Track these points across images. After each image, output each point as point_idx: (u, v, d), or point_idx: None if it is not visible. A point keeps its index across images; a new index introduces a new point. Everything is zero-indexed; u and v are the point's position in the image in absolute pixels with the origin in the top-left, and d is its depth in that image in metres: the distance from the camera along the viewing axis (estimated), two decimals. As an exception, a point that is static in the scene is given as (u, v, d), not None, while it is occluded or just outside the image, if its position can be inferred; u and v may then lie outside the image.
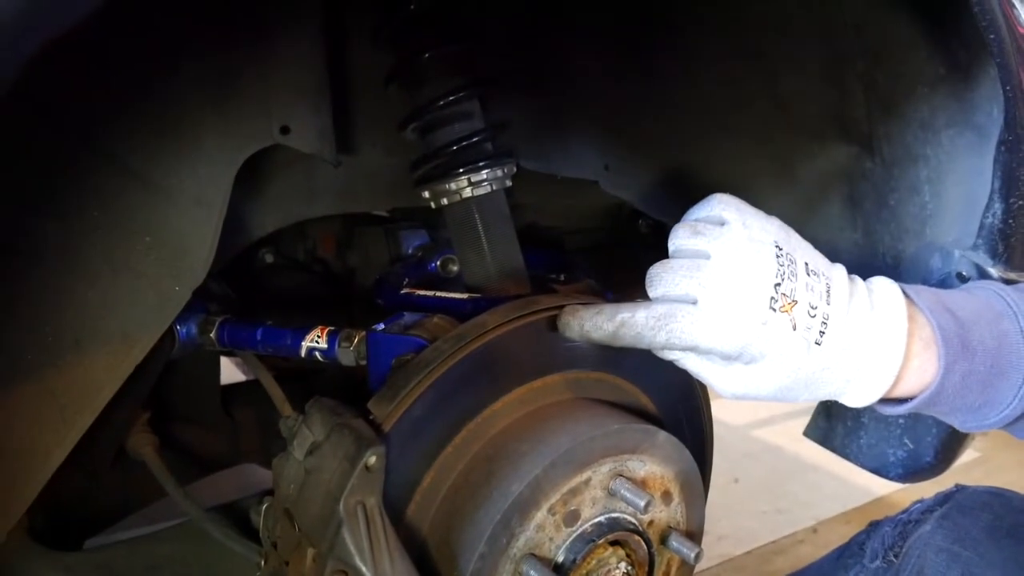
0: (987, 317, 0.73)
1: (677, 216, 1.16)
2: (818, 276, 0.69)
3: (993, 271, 0.88)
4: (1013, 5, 0.76)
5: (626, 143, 1.14)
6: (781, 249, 0.69)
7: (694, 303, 0.67)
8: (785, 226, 0.73)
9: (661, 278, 0.69)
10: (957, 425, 0.77)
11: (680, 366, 0.73)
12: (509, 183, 0.98)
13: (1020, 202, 0.84)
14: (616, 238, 1.53)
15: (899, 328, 0.69)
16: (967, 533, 0.82)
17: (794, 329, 0.67)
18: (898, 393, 0.72)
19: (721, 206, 0.71)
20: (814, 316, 0.67)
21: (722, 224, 0.69)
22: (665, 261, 0.71)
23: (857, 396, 0.71)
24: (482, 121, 0.96)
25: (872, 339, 0.69)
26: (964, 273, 0.91)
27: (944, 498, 0.90)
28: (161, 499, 1.15)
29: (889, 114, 0.95)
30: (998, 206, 0.85)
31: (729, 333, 0.67)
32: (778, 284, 0.67)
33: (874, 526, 0.99)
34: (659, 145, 1.13)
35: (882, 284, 0.73)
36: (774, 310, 0.66)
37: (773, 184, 1.11)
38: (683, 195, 1.18)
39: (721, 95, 1.06)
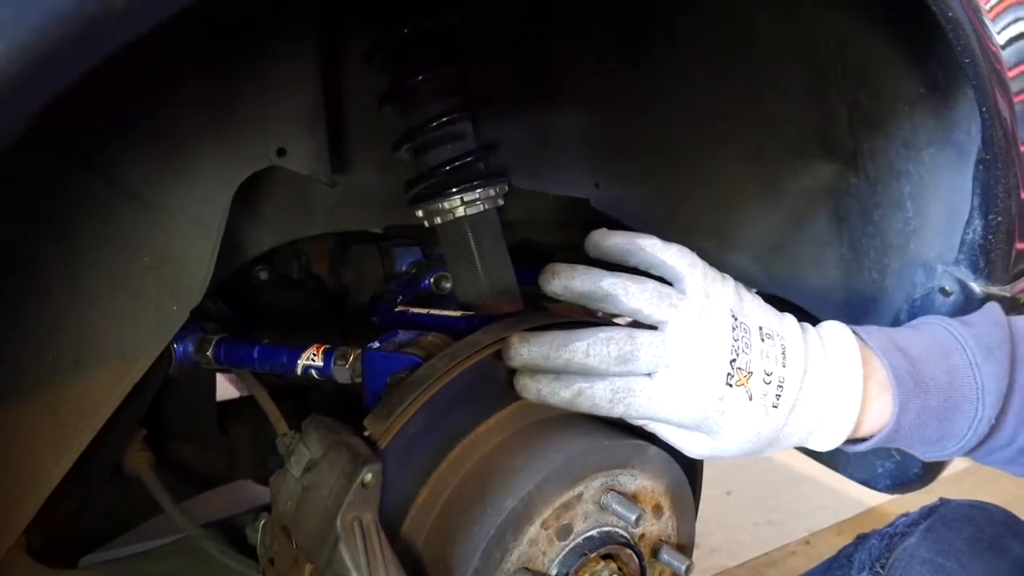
0: (937, 352, 0.76)
1: (666, 233, 1.18)
2: (772, 339, 0.72)
3: (975, 285, 0.91)
4: (985, 25, 0.78)
5: (616, 162, 1.16)
6: (736, 319, 0.71)
7: (650, 376, 0.69)
8: (738, 287, 0.75)
9: (621, 339, 0.69)
10: (919, 455, 0.80)
11: (646, 429, 0.76)
12: (501, 202, 0.99)
13: (999, 218, 0.86)
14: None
15: (854, 374, 0.73)
16: (950, 545, 0.84)
17: (750, 399, 0.70)
18: (859, 434, 0.76)
19: (686, 266, 0.72)
20: (769, 383, 0.70)
21: (683, 290, 0.71)
22: (627, 320, 0.73)
23: (821, 442, 0.75)
24: (475, 141, 0.98)
25: (830, 389, 0.72)
26: (947, 288, 0.93)
27: (929, 511, 0.92)
28: (155, 516, 1.16)
29: (872, 132, 0.97)
30: (978, 222, 0.87)
31: (686, 409, 0.69)
32: (733, 360, 0.69)
33: (861, 539, 1.01)
34: (648, 164, 1.16)
35: (834, 330, 0.76)
36: (730, 385, 0.69)
37: (760, 200, 1.13)
38: (672, 212, 1.20)
39: (708, 114, 1.09)
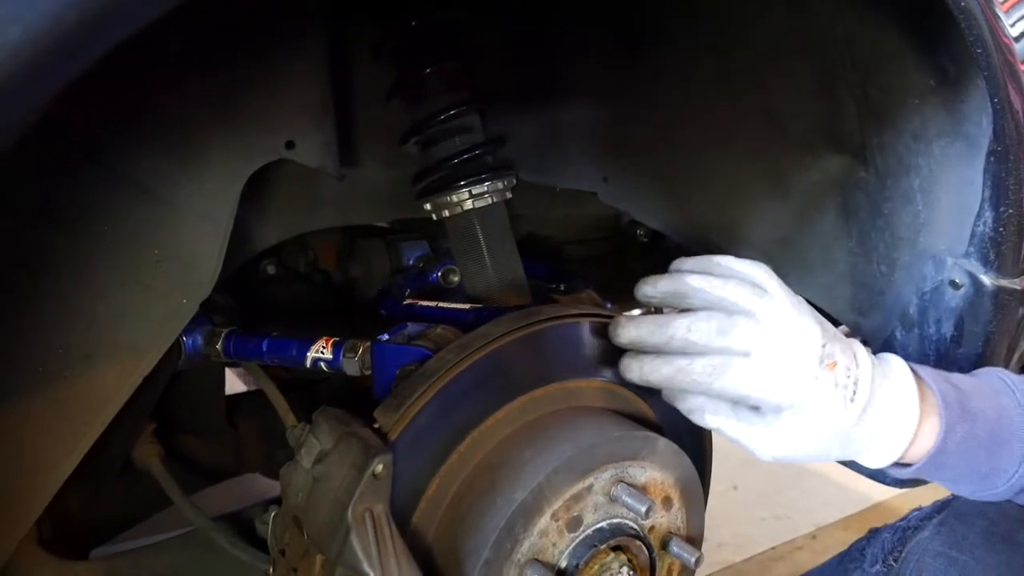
0: (986, 391, 0.79)
1: (675, 226, 1.18)
2: (846, 343, 0.75)
3: (985, 278, 0.90)
4: (998, 16, 0.78)
5: (624, 155, 1.16)
6: (817, 318, 0.75)
7: (746, 355, 0.72)
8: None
9: (720, 317, 0.73)
10: (968, 495, 0.81)
11: (721, 433, 0.77)
12: (509, 195, 0.99)
13: (1010, 211, 0.86)
14: (615, 247, 1.55)
15: (911, 392, 0.76)
16: (964, 538, 0.84)
17: (836, 387, 0.72)
18: (909, 455, 0.77)
19: (764, 274, 0.76)
20: (849, 376, 0.73)
21: (765, 289, 0.75)
22: (715, 305, 0.74)
23: (877, 454, 0.76)
24: (482, 135, 0.98)
25: (891, 401, 0.75)
26: (957, 280, 0.93)
27: (942, 505, 0.92)
28: (164, 509, 1.16)
29: (881, 125, 0.97)
30: (988, 215, 0.87)
31: (783, 384, 0.72)
32: (824, 345, 0.73)
33: (874, 532, 1.01)
34: (657, 157, 1.15)
35: (889, 357, 0.79)
36: (823, 366, 0.72)
37: (768, 194, 1.13)
38: (680, 207, 1.20)
39: (717, 108, 1.09)
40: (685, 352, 0.74)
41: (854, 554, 1.01)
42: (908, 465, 0.78)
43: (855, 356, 0.75)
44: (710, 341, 0.72)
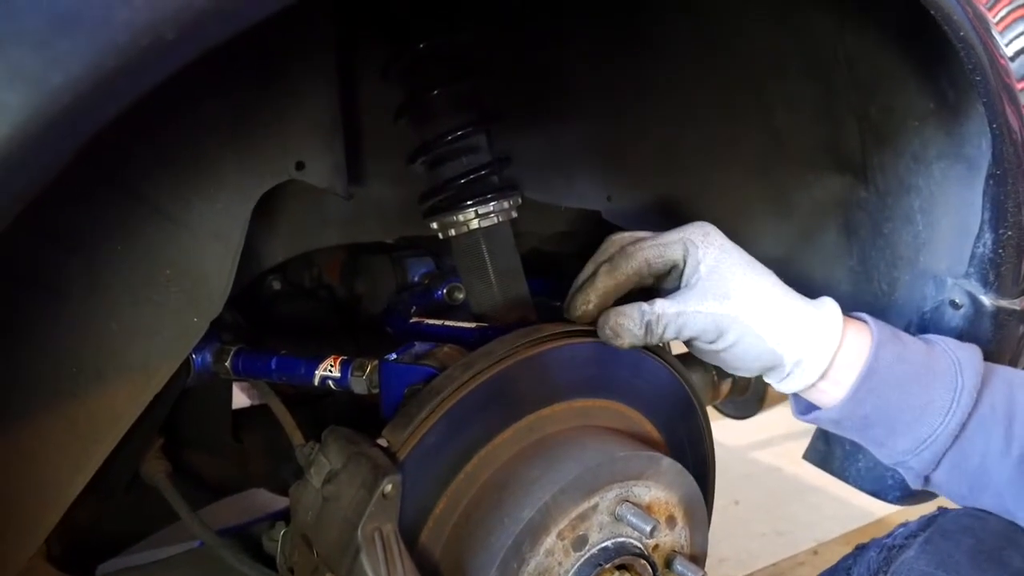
0: (914, 337, 0.85)
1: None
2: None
3: (985, 299, 0.92)
4: (994, 38, 0.79)
5: (628, 175, 1.17)
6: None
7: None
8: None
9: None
10: (910, 444, 0.82)
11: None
12: (515, 214, 1.01)
13: (1009, 232, 0.87)
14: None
15: (835, 306, 0.83)
16: (949, 557, 0.84)
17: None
18: (840, 373, 0.81)
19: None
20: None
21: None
22: None
23: (809, 362, 0.80)
24: (489, 155, 0.99)
25: (810, 305, 0.82)
26: (957, 300, 0.94)
27: (927, 522, 0.92)
28: (169, 525, 1.17)
29: (882, 146, 0.98)
30: (988, 236, 0.88)
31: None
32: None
33: (860, 550, 1.01)
34: (660, 177, 1.17)
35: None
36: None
37: (770, 213, 1.14)
38: (682, 224, 1.21)
39: (719, 128, 1.10)
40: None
41: (841, 572, 1.01)
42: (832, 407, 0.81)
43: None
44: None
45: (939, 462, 0.82)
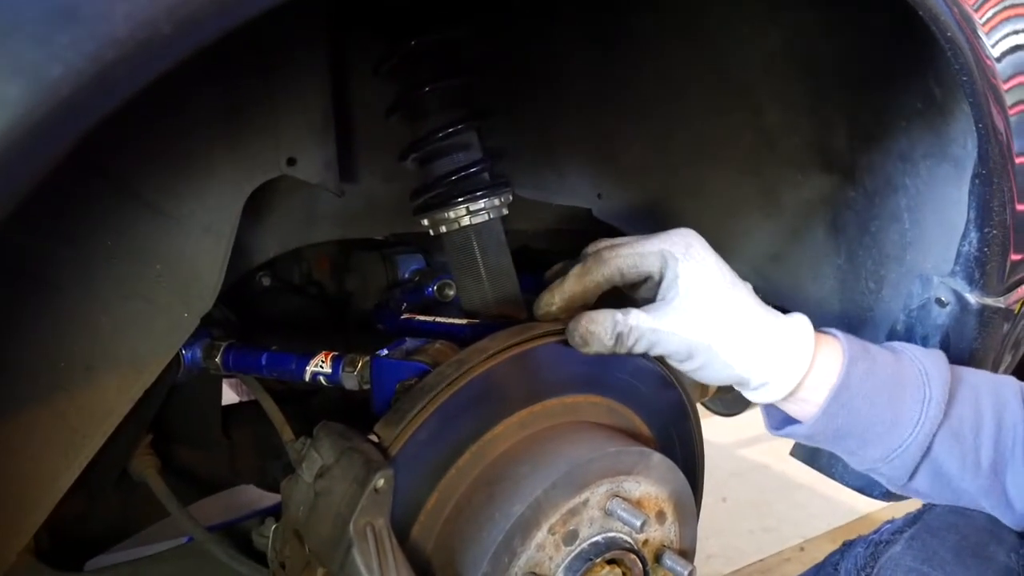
0: (882, 348, 0.85)
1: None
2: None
3: (970, 297, 0.93)
4: (980, 39, 0.80)
5: (618, 173, 1.18)
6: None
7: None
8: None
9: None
10: (880, 456, 0.83)
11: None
12: (505, 211, 1.01)
13: (994, 231, 0.88)
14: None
15: (807, 326, 0.83)
16: (935, 553, 0.85)
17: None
18: (812, 387, 0.81)
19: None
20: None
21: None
22: None
23: (779, 378, 0.81)
24: (480, 152, 1.00)
25: (783, 322, 0.82)
26: (943, 298, 0.95)
27: (913, 519, 0.93)
28: (158, 521, 1.17)
29: (870, 145, 0.99)
30: (974, 235, 0.89)
31: None
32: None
33: (848, 545, 1.02)
34: (650, 175, 1.17)
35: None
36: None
37: (759, 211, 1.15)
38: (672, 223, 1.22)
39: (709, 127, 1.11)
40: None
41: (828, 569, 1.02)
42: (805, 422, 0.82)
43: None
44: None
45: (914, 472, 0.83)
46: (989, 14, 0.81)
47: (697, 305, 0.79)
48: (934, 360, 0.83)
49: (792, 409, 0.85)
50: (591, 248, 0.88)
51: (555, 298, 0.85)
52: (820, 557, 1.01)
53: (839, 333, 0.84)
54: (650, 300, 0.84)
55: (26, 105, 0.33)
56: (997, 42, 0.82)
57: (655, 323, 0.79)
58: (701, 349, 0.79)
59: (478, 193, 0.97)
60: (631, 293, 0.88)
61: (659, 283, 0.83)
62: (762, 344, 0.80)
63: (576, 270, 0.85)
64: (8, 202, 0.36)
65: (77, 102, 0.33)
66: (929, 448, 0.80)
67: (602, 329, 0.79)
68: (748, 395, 0.86)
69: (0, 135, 0.32)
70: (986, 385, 0.83)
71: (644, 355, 0.85)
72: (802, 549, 2.13)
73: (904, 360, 0.83)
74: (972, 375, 0.84)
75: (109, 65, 0.33)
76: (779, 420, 0.88)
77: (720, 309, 0.80)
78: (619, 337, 0.79)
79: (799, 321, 0.83)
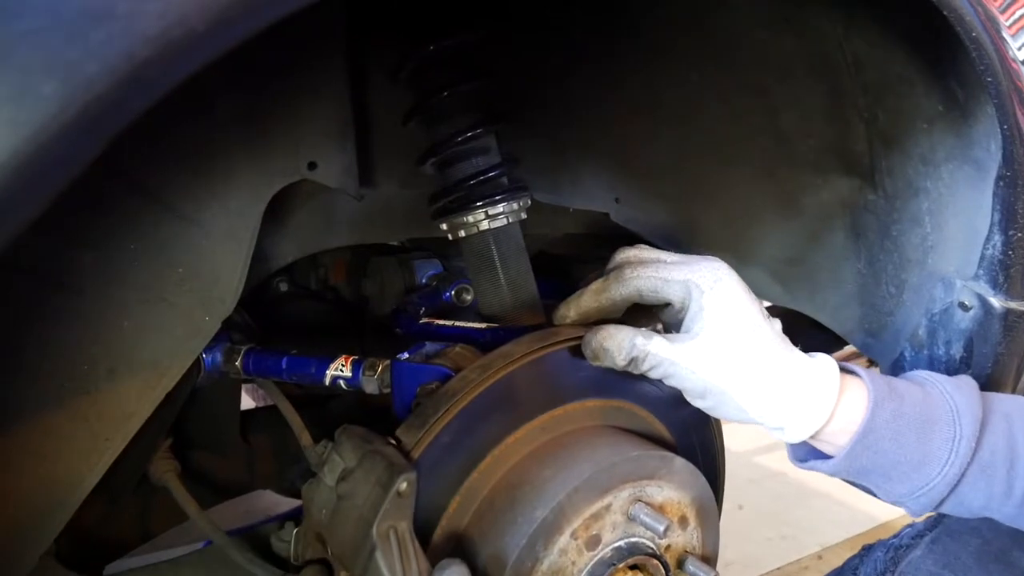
0: (908, 382, 0.82)
1: (685, 247, 1.19)
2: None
3: (994, 300, 0.92)
4: (1005, 40, 0.79)
5: (635, 177, 1.17)
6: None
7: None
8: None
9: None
10: (907, 494, 0.79)
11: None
12: (524, 215, 1.01)
13: (1019, 234, 0.87)
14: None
15: (831, 370, 0.78)
16: (956, 557, 0.84)
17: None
18: (837, 430, 0.78)
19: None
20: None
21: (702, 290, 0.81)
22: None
23: (801, 420, 0.77)
24: (498, 156, 1.00)
25: (808, 364, 0.78)
26: (966, 302, 0.94)
27: (934, 523, 0.92)
28: (177, 525, 1.17)
29: (890, 148, 0.98)
30: (998, 238, 0.88)
31: None
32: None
33: (867, 550, 1.01)
34: (667, 179, 1.17)
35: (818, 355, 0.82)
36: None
37: (778, 215, 1.14)
38: (690, 227, 1.22)
39: (726, 130, 1.10)
40: None
41: (847, 574, 1.01)
42: (832, 456, 0.79)
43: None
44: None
45: (939, 505, 0.79)
46: (1016, 16, 0.80)
47: (719, 345, 0.76)
48: (964, 394, 0.79)
49: (817, 446, 0.82)
50: (616, 259, 0.86)
51: (570, 311, 0.85)
52: (839, 565, 1.00)
53: (863, 372, 0.80)
54: (671, 324, 0.83)
55: (61, 102, 0.33)
56: (1023, 44, 0.82)
57: (675, 356, 0.76)
58: (716, 392, 0.77)
59: (497, 197, 0.97)
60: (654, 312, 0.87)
61: (680, 311, 0.80)
62: (780, 390, 0.77)
63: (594, 286, 0.83)
64: (43, 201, 0.36)
65: (111, 100, 0.33)
66: (957, 484, 0.77)
67: (616, 348, 0.77)
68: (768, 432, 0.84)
69: (35, 132, 0.33)
70: (1019, 411, 0.79)
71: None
72: (820, 557, 2.11)
73: (933, 396, 0.79)
74: (1004, 403, 0.80)
75: (142, 63, 0.33)
76: (804, 453, 0.85)
77: (742, 352, 0.76)
78: (634, 360, 0.77)
79: (823, 365, 0.79)
